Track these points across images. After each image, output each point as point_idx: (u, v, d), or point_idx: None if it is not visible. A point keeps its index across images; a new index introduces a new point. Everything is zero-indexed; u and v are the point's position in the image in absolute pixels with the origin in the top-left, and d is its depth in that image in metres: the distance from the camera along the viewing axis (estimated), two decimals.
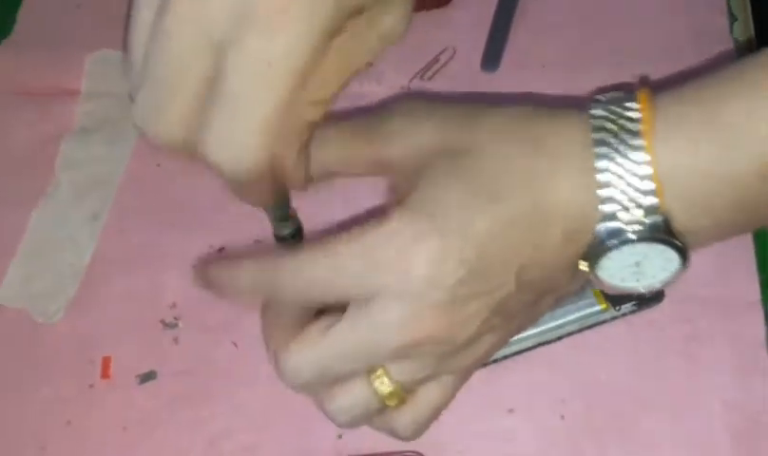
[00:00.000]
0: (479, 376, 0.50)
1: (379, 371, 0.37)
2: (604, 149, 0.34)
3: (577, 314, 0.50)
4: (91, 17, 0.65)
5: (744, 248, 0.53)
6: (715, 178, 0.34)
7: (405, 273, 0.35)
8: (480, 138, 0.36)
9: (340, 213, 0.53)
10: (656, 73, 0.58)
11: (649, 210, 0.34)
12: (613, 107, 0.35)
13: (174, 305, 0.55)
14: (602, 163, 0.34)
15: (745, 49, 0.58)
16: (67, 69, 0.62)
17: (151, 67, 0.33)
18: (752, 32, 0.59)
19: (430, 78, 0.61)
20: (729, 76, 0.34)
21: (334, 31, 0.32)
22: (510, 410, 0.50)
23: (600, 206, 0.34)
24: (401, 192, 0.37)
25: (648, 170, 0.34)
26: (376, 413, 0.39)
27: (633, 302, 0.50)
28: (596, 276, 0.36)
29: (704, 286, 0.52)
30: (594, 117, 0.35)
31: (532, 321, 0.40)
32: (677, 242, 0.35)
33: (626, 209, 0.34)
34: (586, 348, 0.51)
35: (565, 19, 0.62)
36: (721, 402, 0.50)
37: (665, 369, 0.51)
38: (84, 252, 0.57)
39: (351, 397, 0.38)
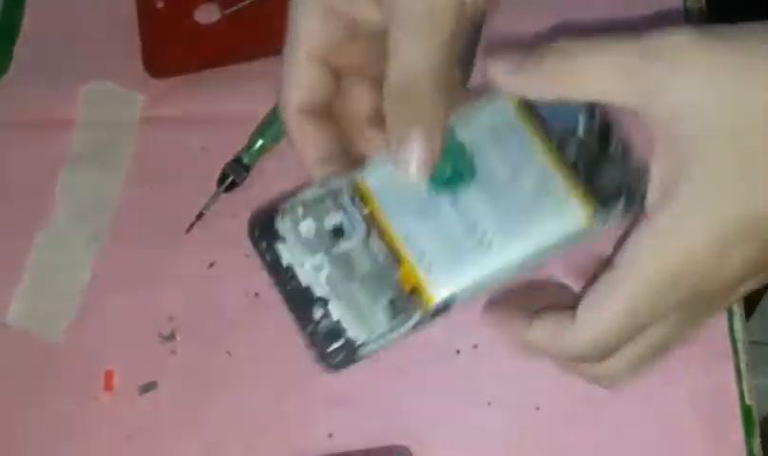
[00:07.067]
0: (459, 371, 0.53)
1: None
2: None
3: (561, 231, 0.37)
4: (85, 50, 0.65)
5: None
6: None
7: None
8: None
9: None
10: None
11: None
12: None
13: (171, 318, 0.56)
14: None
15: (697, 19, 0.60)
16: (63, 100, 0.63)
17: None
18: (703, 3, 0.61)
19: None
20: None
21: None
22: (489, 403, 0.51)
23: None
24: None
25: None
26: None
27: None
28: None
29: None
30: None
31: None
32: None
33: None
34: None
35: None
36: (690, 388, 0.51)
37: None
38: (84, 272, 0.57)
39: None
